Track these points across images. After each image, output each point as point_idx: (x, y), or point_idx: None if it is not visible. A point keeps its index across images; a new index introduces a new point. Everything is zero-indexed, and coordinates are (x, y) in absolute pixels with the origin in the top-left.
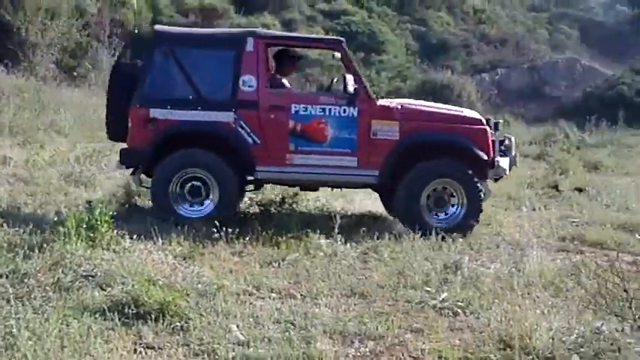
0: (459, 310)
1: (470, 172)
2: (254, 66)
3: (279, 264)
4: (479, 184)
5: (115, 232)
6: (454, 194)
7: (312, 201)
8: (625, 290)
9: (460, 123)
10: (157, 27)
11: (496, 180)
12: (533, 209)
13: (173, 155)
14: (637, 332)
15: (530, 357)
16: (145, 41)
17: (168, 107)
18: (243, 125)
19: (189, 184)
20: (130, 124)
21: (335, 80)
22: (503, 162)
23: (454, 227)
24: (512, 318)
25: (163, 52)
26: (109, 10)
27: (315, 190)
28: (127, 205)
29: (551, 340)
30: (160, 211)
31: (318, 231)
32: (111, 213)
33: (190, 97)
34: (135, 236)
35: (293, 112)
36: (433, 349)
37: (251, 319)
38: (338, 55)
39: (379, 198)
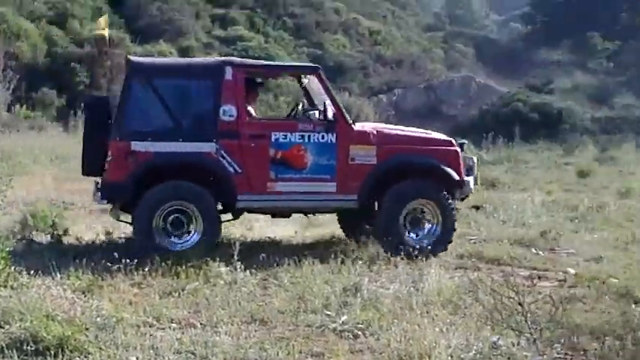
0: (359, 332)
1: (444, 192)
2: (233, 95)
3: (178, 294)
4: (452, 203)
5: (12, 268)
6: (429, 213)
7: None
8: (520, 304)
9: (433, 145)
10: (133, 58)
11: (462, 199)
12: None
13: (155, 188)
14: (533, 345)
15: None
16: (40, 73)
17: (149, 139)
18: (225, 155)
19: (172, 217)
20: (109, 158)
21: (299, 106)
22: (470, 181)
23: (431, 245)
24: (411, 337)
25: (140, 84)
26: (3, 42)
27: (288, 216)
28: (24, 241)
29: (450, 357)
30: (143, 245)
31: (218, 259)
32: (7, 249)
33: (170, 128)
34: (32, 272)
35: (273, 140)
36: None
37: (151, 351)
38: (306, 81)
39: (338, 221)
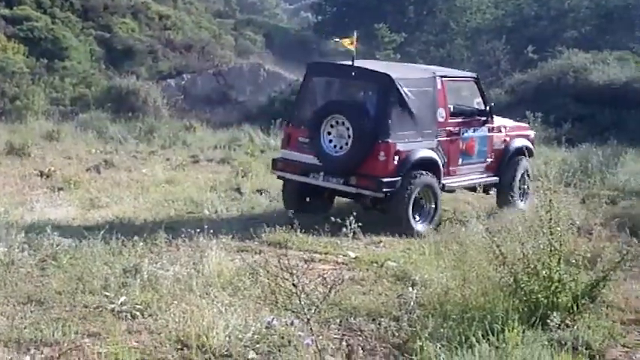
0: (138, 313)
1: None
2: (443, 100)
3: None
4: None
5: None
6: (524, 183)
7: None
8: (294, 285)
9: (526, 131)
10: (388, 72)
11: None
12: (216, 212)
13: (413, 180)
14: (307, 325)
15: (207, 355)
16: None
17: (406, 140)
18: (439, 149)
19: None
20: (381, 157)
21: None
22: None
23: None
24: (190, 318)
25: (392, 93)
26: None
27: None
28: None
29: (227, 337)
30: (404, 226)
31: None
32: None
33: (413, 130)
34: None
35: (462, 135)
36: (110, 352)
37: None
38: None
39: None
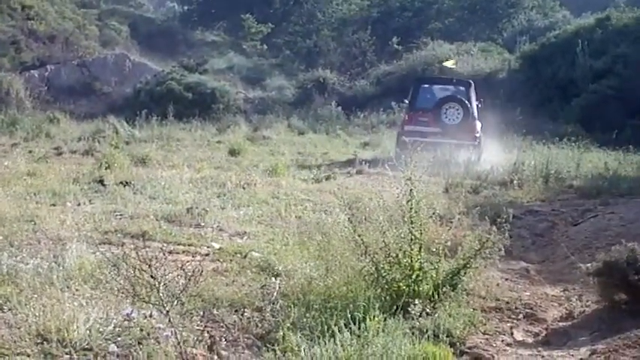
0: None
1: None
2: (476, 97)
3: None
4: None
5: None
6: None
7: None
8: (152, 277)
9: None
10: (469, 81)
11: None
12: (78, 204)
13: (481, 139)
14: (166, 317)
15: (68, 349)
16: None
17: (477, 118)
18: None
19: None
20: (473, 125)
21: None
22: None
23: None
24: (50, 312)
25: (473, 91)
26: None
27: None
28: None
29: (88, 331)
30: (476, 162)
31: None
32: None
33: (477, 112)
34: None
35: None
36: None
37: None
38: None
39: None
